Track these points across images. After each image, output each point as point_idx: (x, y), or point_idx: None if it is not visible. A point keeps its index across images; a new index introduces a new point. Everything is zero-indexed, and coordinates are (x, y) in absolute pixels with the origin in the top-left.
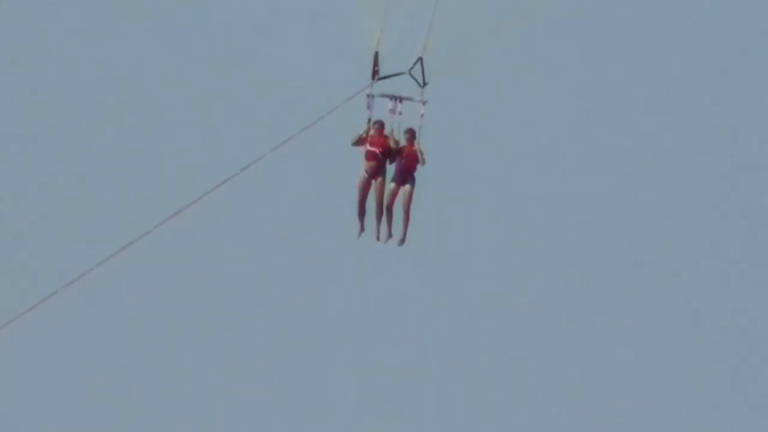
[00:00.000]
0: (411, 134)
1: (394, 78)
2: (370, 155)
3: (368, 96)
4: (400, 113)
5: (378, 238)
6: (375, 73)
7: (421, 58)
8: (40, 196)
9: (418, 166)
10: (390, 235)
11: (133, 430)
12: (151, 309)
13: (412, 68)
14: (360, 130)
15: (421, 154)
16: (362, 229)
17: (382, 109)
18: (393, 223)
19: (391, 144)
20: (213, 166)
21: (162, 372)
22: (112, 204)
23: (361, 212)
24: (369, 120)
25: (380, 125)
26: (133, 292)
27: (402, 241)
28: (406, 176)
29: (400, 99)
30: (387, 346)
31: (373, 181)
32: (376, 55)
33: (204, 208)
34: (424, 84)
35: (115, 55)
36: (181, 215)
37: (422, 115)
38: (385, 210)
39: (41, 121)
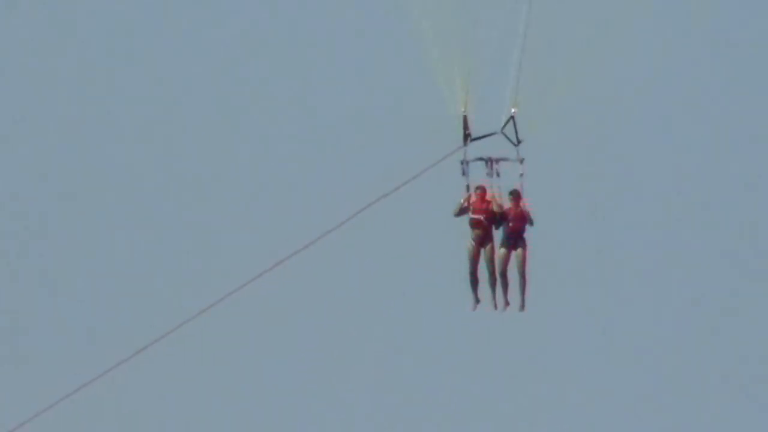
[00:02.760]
0: (516, 195)
1: (485, 139)
2: (474, 223)
3: (462, 162)
4: (498, 175)
5: (495, 307)
6: (466, 136)
7: (512, 116)
8: None
9: (527, 227)
10: (507, 303)
11: None
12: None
13: (504, 126)
14: (460, 198)
15: (529, 214)
16: (477, 300)
17: (478, 174)
18: (509, 290)
19: (495, 208)
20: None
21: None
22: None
23: (474, 282)
24: (467, 187)
25: (482, 190)
26: None
27: (522, 306)
28: (516, 239)
29: (496, 160)
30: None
31: (482, 249)
32: (465, 118)
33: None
34: (518, 142)
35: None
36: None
37: (521, 174)
38: (499, 277)
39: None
